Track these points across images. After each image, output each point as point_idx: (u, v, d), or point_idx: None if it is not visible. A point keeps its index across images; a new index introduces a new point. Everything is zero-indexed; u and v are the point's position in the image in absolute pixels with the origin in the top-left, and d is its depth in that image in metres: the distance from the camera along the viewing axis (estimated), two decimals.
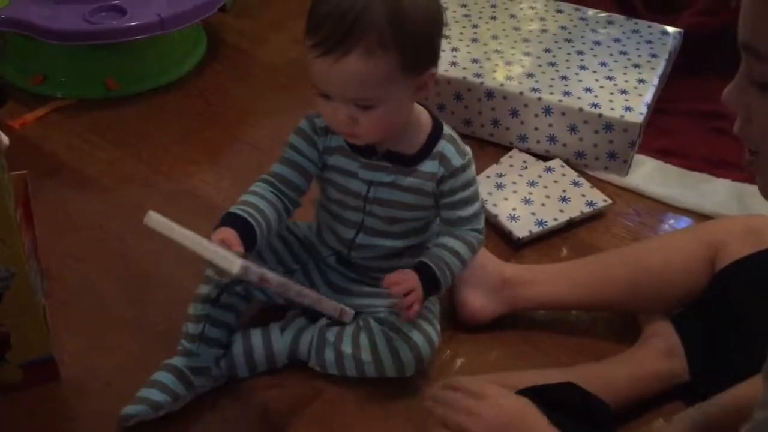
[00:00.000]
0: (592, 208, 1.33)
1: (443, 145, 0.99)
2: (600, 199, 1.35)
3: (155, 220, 0.87)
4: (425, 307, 1.04)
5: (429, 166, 0.99)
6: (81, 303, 1.16)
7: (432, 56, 0.92)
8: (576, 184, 1.38)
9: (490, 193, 1.34)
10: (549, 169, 1.41)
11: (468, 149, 1.01)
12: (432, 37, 0.91)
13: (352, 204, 1.03)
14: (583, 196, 1.35)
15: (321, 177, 1.04)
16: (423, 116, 1.00)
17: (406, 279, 0.96)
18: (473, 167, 1.01)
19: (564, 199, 1.34)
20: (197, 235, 0.85)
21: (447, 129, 1.00)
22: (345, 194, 1.02)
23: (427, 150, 0.99)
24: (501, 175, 1.40)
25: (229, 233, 0.90)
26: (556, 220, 1.31)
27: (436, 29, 0.91)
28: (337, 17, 0.85)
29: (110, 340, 1.11)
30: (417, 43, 0.88)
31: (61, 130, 1.50)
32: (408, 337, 1.02)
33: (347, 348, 1.03)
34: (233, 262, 0.80)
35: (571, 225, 1.32)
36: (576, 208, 1.33)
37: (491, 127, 1.48)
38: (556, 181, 1.38)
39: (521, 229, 1.28)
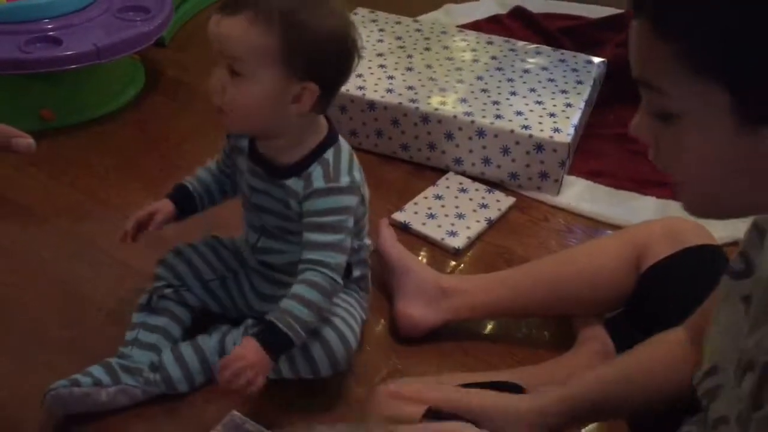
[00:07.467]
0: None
1: (314, 167, 0.98)
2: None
3: None
4: (343, 308, 1.05)
5: (294, 183, 0.99)
6: (15, 326, 1.13)
7: (317, 71, 0.94)
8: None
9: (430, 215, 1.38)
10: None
11: (344, 180, 0.98)
12: (324, 54, 0.93)
13: (250, 207, 1.07)
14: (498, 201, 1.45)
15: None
16: (313, 135, 1.00)
17: (236, 359, 0.91)
18: (343, 198, 0.98)
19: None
20: None
21: (329, 154, 0.99)
22: (243, 197, 1.07)
23: (298, 168, 0.99)
24: (439, 197, 1.44)
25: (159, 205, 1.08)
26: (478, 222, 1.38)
27: (334, 50, 0.94)
28: None
29: (45, 361, 1.08)
30: (303, 46, 0.92)
31: None
32: (318, 334, 1.00)
33: None
34: None
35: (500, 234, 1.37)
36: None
37: (428, 151, 1.52)
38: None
39: (458, 241, 1.33)
